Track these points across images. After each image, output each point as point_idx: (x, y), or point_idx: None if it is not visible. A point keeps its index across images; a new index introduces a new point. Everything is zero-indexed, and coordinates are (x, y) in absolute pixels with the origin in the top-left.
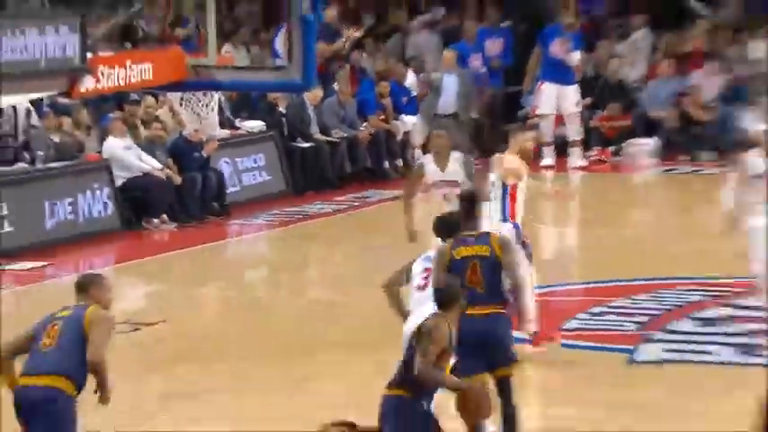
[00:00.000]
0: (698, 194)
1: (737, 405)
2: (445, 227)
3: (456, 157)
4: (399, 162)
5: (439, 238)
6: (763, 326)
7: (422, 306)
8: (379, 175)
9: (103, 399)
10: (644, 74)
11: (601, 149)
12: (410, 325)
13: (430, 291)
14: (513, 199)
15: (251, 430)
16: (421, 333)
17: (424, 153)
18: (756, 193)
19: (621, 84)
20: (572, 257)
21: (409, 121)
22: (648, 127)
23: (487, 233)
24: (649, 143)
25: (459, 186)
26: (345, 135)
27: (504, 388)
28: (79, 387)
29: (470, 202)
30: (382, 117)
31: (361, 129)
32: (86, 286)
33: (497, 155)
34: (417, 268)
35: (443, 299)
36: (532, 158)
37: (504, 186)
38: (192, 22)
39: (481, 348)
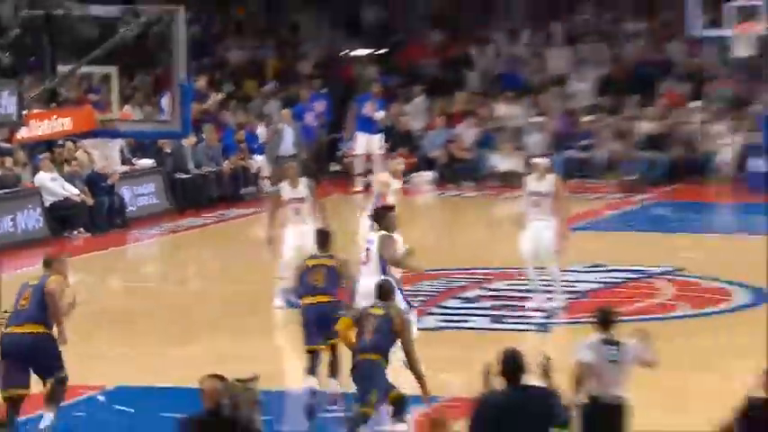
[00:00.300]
0: (461, 211)
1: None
2: (379, 218)
3: (303, 181)
4: (252, 189)
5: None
6: (508, 302)
7: (366, 276)
8: (237, 198)
9: (62, 340)
10: (424, 126)
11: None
12: (365, 289)
13: (370, 265)
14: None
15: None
16: (402, 322)
17: (272, 183)
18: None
19: (409, 133)
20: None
21: (259, 160)
22: (427, 163)
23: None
24: (428, 175)
25: (305, 202)
26: (213, 169)
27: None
28: (49, 328)
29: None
30: (240, 157)
31: (225, 165)
32: (50, 262)
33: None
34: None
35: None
36: (401, 177)
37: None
38: (102, 89)
39: (321, 324)
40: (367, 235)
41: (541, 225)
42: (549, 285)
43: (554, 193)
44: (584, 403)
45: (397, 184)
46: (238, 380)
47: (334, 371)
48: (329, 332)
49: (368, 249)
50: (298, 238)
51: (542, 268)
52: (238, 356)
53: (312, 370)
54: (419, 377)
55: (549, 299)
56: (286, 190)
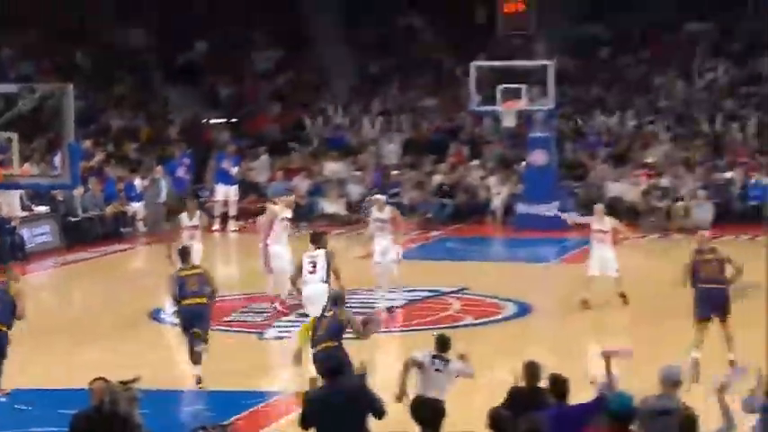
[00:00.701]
0: (299, 245)
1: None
2: (317, 239)
3: (198, 214)
4: (129, 229)
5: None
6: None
7: (311, 284)
8: (117, 237)
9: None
10: (267, 178)
11: (245, 220)
12: (309, 292)
13: (317, 275)
14: (271, 228)
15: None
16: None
17: (145, 224)
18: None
19: (256, 184)
20: (235, 279)
21: (135, 206)
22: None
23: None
24: None
25: (198, 229)
26: (97, 213)
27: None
28: (9, 327)
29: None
30: (120, 203)
31: (107, 210)
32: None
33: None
34: (305, 261)
35: (337, 300)
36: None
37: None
38: (6, 150)
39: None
40: (308, 251)
41: (385, 242)
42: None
43: (391, 219)
44: (413, 399)
45: (288, 213)
46: (121, 381)
47: (197, 359)
48: (202, 324)
49: (314, 263)
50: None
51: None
52: (122, 363)
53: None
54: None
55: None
56: (185, 220)
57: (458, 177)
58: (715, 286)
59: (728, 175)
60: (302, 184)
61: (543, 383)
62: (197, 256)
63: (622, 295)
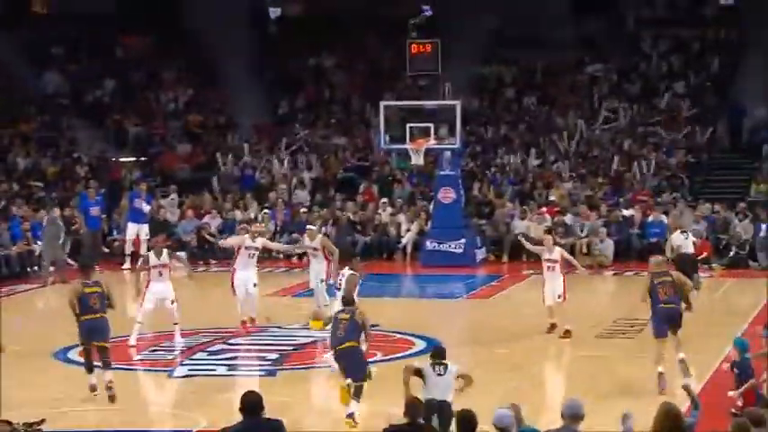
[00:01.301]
0: (209, 284)
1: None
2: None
3: (165, 252)
4: (36, 269)
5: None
6: (247, 353)
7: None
8: (25, 275)
9: None
10: (179, 216)
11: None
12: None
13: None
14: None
15: None
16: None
17: (50, 264)
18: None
19: (166, 222)
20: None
21: (41, 245)
22: (181, 246)
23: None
24: (183, 255)
25: (167, 267)
26: (3, 253)
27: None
28: None
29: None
30: (25, 242)
31: (13, 249)
32: None
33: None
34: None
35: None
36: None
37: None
38: None
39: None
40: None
41: (318, 267)
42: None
43: (322, 248)
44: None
45: (256, 242)
46: (26, 423)
47: (95, 367)
48: (103, 336)
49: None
50: (159, 293)
51: None
52: (27, 404)
53: (90, 365)
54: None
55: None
56: (153, 258)
57: (368, 215)
58: (672, 306)
59: (628, 213)
60: (213, 222)
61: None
62: (168, 293)
63: (553, 326)
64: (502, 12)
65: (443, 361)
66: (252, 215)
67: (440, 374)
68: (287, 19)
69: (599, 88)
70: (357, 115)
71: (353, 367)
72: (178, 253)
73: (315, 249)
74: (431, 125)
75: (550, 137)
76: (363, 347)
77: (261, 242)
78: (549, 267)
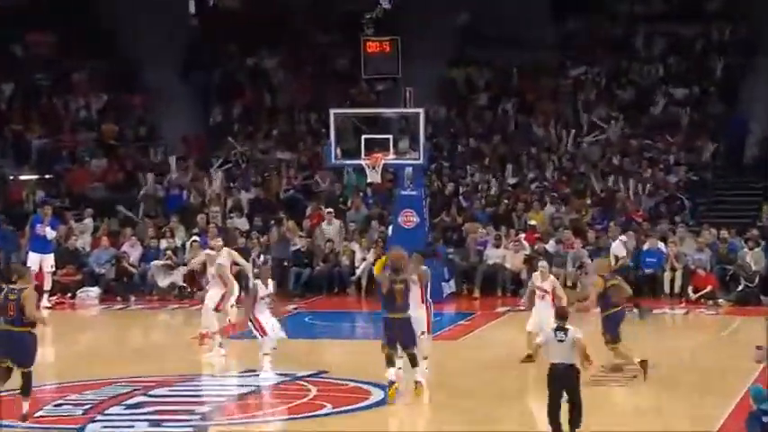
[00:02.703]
0: (127, 323)
1: None
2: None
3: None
4: None
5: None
6: (172, 407)
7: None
8: None
9: None
10: (91, 244)
11: (61, 295)
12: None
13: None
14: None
15: None
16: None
17: None
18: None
19: (76, 251)
20: (48, 366)
21: None
22: (93, 279)
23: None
24: (94, 291)
25: None
26: None
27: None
28: None
29: None
30: None
31: None
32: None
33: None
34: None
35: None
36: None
37: None
38: None
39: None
40: None
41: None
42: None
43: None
44: (549, 368)
45: (224, 256)
46: None
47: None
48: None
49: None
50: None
51: None
52: None
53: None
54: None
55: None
56: (261, 289)
57: (315, 241)
58: (622, 308)
59: (619, 240)
60: (132, 251)
61: None
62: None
63: (529, 356)
64: (473, 6)
65: (565, 326)
66: (179, 243)
67: (561, 340)
68: (221, 12)
69: (585, 94)
70: (303, 125)
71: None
72: (90, 288)
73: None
74: (389, 137)
75: (529, 151)
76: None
77: (227, 256)
78: (540, 296)
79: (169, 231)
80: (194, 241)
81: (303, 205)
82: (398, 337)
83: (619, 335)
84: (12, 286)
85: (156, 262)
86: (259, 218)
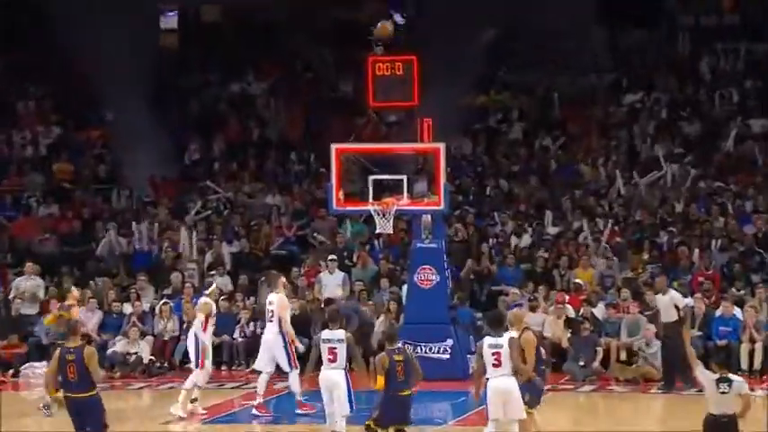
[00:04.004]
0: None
1: None
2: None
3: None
4: None
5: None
6: None
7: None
8: None
9: None
10: (40, 309)
11: (1, 372)
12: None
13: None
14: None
15: None
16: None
17: None
18: None
19: (20, 317)
20: None
21: None
22: (42, 352)
23: None
24: (41, 365)
25: None
26: None
27: None
28: None
29: None
30: None
31: None
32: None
33: None
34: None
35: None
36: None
37: None
38: None
39: None
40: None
41: None
42: None
43: None
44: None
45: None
46: None
47: None
48: None
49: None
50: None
51: None
52: None
53: None
54: None
55: None
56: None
57: (313, 300)
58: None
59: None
60: (90, 317)
61: None
62: (341, 381)
63: None
64: (504, 21)
65: (729, 376)
66: (146, 307)
67: (723, 392)
68: (198, 28)
69: (641, 126)
70: (298, 164)
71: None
72: (36, 364)
73: None
74: (403, 178)
75: (573, 195)
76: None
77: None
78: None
79: (135, 293)
80: (165, 304)
81: (298, 260)
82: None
83: None
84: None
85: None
86: (245, 276)
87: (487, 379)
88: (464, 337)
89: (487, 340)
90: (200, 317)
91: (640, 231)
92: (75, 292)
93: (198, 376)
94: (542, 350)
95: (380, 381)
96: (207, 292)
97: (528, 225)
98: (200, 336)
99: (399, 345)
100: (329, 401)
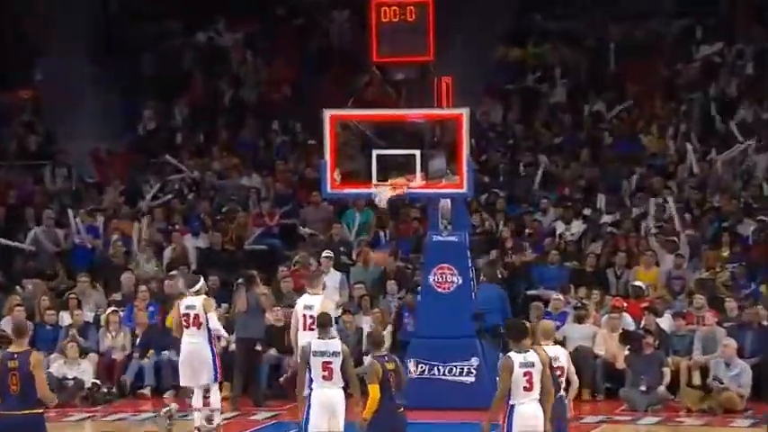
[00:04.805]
0: None
1: None
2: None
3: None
4: None
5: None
6: None
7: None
8: None
9: None
10: None
11: None
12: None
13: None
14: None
15: None
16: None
17: None
18: None
19: None
20: None
21: None
22: None
23: None
24: None
25: None
26: None
27: None
28: None
29: None
30: None
31: None
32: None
33: None
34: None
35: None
36: None
37: None
38: None
39: None
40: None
41: None
42: None
43: None
44: None
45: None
46: None
47: None
48: None
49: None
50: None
51: None
52: None
53: None
54: None
55: None
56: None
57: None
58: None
59: None
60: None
61: None
62: (339, 400)
63: None
64: None
65: None
66: (89, 317)
67: None
68: None
69: (720, 86)
70: (282, 134)
71: None
72: None
73: None
74: (416, 153)
75: (632, 173)
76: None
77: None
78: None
79: (75, 299)
80: (114, 312)
81: (282, 257)
82: None
83: None
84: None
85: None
86: (215, 276)
87: (512, 405)
88: (492, 354)
89: (516, 357)
90: (214, 315)
91: (718, 220)
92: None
93: (217, 394)
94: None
95: (375, 391)
96: (194, 289)
97: (573, 213)
98: (222, 333)
99: (386, 351)
100: (324, 427)
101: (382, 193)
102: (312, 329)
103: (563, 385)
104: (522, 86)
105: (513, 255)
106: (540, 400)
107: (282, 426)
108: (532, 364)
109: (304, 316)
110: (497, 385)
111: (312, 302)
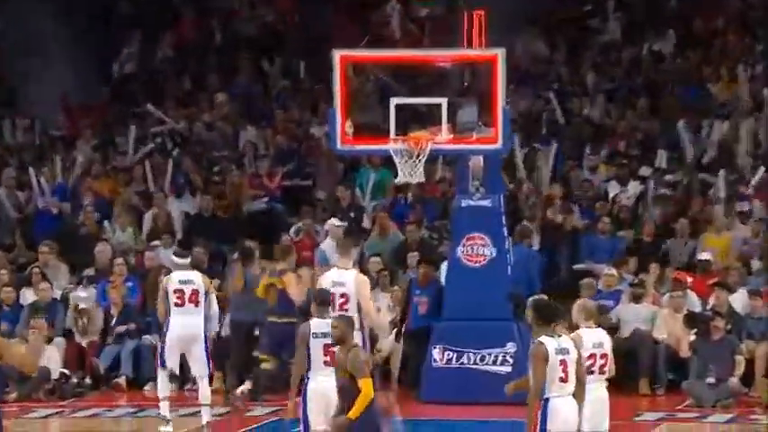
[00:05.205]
0: None
1: None
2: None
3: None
4: None
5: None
6: None
7: None
8: None
9: None
10: None
11: None
12: None
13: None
14: None
15: None
16: None
17: None
18: None
19: None
20: None
21: None
22: None
23: None
24: None
25: None
26: None
27: None
28: None
29: None
30: None
31: None
32: None
33: None
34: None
35: None
36: None
37: None
38: None
39: None
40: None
41: None
42: None
43: None
44: None
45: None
46: None
47: None
48: None
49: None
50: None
51: None
52: None
53: None
54: None
55: None
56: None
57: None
58: None
59: None
60: None
61: None
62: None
63: None
64: None
65: None
66: (55, 295)
67: None
68: None
69: None
70: (284, 79)
71: None
72: None
73: None
74: (442, 101)
75: (700, 125)
76: None
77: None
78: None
79: (38, 274)
80: (90, 286)
81: (285, 224)
82: None
83: None
84: None
85: None
86: (202, 247)
87: (546, 399)
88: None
89: (550, 342)
90: (214, 298)
91: None
92: None
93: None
94: None
95: (368, 386)
96: (178, 261)
97: (630, 172)
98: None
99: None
100: (323, 419)
101: (413, 174)
102: (345, 310)
103: (609, 375)
104: (568, 21)
105: (561, 215)
106: (575, 394)
107: (284, 423)
108: (567, 351)
109: (333, 294)
110: (529, 378)
111: (343, 278)
